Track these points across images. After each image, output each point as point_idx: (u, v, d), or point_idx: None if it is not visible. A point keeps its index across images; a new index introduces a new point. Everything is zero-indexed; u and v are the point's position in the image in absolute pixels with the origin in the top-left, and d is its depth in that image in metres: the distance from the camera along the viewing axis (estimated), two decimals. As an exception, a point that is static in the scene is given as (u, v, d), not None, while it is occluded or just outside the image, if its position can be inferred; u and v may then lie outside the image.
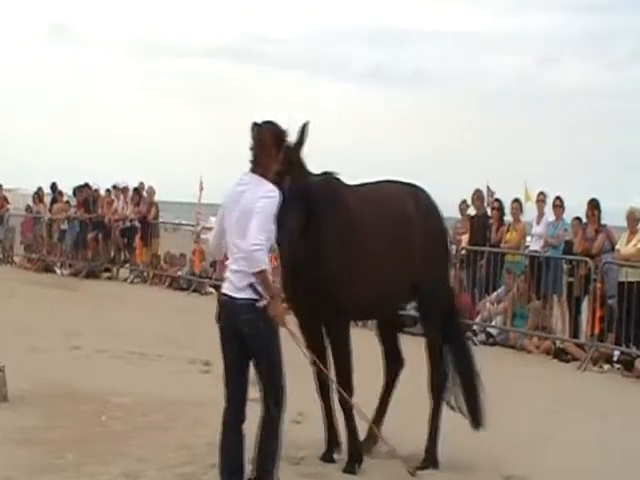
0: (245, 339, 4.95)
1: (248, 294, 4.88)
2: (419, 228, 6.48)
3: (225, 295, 5.02)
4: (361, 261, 6.13)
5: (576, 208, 13.75)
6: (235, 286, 4.94)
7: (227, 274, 5.11)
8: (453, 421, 6.82)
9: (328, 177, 6.28)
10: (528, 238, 14.19)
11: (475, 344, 12.63)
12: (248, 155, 5.06)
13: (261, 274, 4.80)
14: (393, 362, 6.91)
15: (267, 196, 4.90)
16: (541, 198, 13.82)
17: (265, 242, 4.81)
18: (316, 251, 5.85)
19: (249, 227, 4.80)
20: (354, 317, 7.07)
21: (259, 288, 4.84)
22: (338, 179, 6.34)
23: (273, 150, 5.01)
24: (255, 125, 5.03)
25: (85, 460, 6.18)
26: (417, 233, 6.46)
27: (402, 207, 6.53)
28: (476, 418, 6.70)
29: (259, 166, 5.01)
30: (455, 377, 6.72)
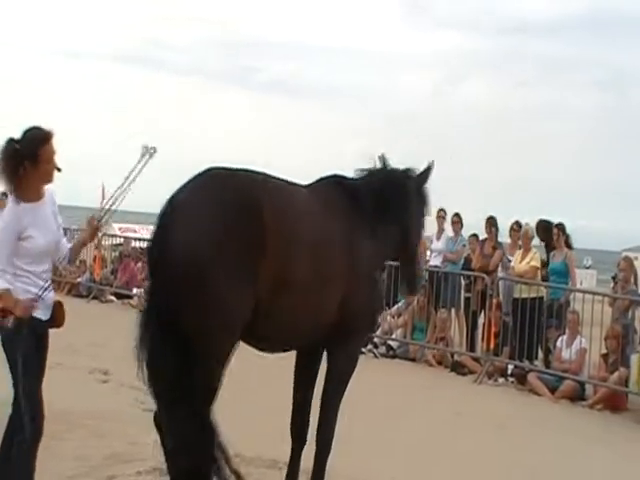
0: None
1: None
2: None
3: None
4: None
5: (473, 225, 14.22)
6: None
7: None
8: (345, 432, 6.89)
9: None
10: (428, 253, 14.50)
11: (376, 357, 12.86)
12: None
13: None
14: None
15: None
16: (441, 215, 14.16)
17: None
18: None
19: None
20: None
21: None
22: None
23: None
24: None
25: (-23, 472, 5.99)
26: None
27: None
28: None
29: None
30: None
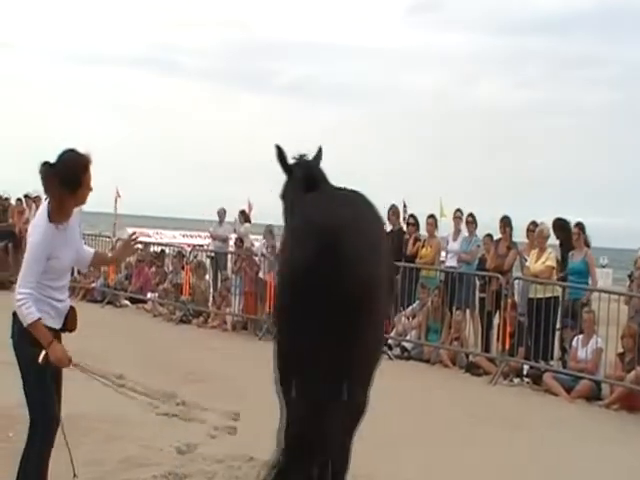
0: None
1: None
2: None
3: None
4: None
5: (487, 225, 14.16)
6: None
7: None
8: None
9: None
10: (443, 253, 14.45)
11: (390, 358, 12.81)
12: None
13: (31, 327, 4.76)
14: None
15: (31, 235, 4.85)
16: (458, 215, 14.12)
17: (30, 292, 4.75)
18: None
19: None
20: None
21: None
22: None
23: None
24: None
25: (-10, 477, 6.00)
26: None
27: None
28: None
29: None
30: None
